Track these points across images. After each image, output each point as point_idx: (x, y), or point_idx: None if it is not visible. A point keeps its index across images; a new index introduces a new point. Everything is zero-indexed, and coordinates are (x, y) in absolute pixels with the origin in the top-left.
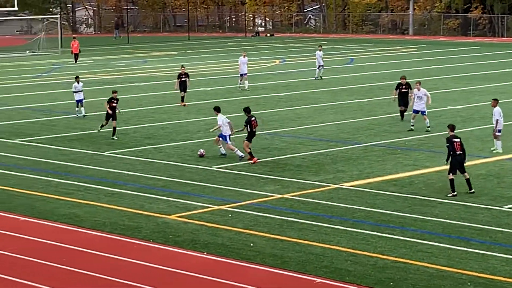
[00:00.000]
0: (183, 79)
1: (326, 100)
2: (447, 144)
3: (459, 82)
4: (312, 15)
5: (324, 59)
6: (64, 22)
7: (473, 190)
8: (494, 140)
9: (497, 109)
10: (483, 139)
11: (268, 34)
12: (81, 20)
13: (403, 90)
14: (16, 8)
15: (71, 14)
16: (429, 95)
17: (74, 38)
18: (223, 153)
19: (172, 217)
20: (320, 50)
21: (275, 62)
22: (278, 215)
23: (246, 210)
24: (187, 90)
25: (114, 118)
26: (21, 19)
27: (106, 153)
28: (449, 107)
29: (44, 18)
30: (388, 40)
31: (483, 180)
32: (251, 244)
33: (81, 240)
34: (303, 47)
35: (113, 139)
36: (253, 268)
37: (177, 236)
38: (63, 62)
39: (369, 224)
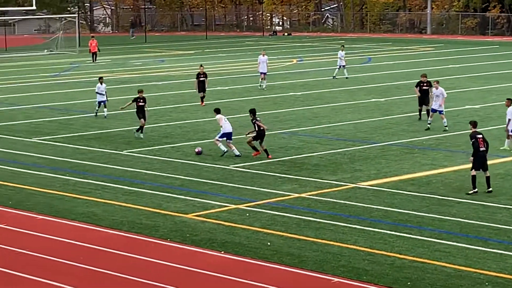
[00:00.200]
0: (201, 78)
1: (343, 99)
2: (473, 140)
3: (476, 82)
4: (329, 14)
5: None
6: (82, 21)
7: (491, 189)
8: (507, 140)
9: (510, 109)
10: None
11: (286, 33)
12: (99, 19)
13: (423, 88)
14: (34, 7)
15: (89, 13)
16: (445, 95)
17: (92, 37)
18: (225, 150)
19: (189, 216)
20: (342, 50)
21: (293, 61)
22: (296, 214)
23: (264, 209)
24: (206, 90)
25: (144, 118)
26: (39, 18)
27: (124, 152)
28: (466, 107)
29: (62, 17)
30: (405, 39)
31: (501, 180)
32: (268, 243)
33: (98, 238)
34: (321, 46)
35: (140, 136)
36: (270, 267)
37: (194, 235)
38: (81, 61)
39: (387, 224)
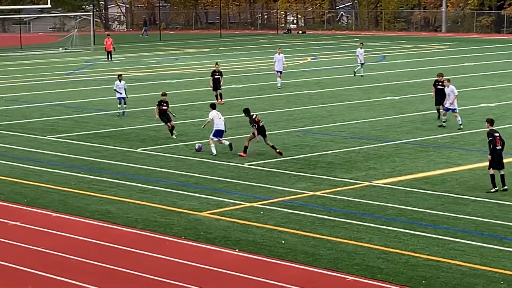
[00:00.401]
0: (216, 76)
1: (357, 97)
2: (490, 138)
3: (491, 80)
4: (344, 12)
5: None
6: (96, 19)
7: (506, 188)
8: None
9: None
10: None
11: (300, 31)
12: (114, 17)
13: (439, 87)
14: (49, 6)
15: (103, 11)
16: (456, 92)
17: (108, 35)
18: (214, 153)
19: (204, 214)
20: (361, 48)
21: (307, 59)
22: (310, 213)
23: (278, 207)
24: (221, 88)
25: (169, 120)
26: (54, 16)
27: (138, 150)
28: (481, 105)
29: (77, 15)
30: (420, 37)
31: None
32: (283, 241)
33: (113, 236)
34: (335, 44)
35: (173, 137)
36: (285, 265)
37: (208, 233)
38: (95, 59)
39: (401, 222)
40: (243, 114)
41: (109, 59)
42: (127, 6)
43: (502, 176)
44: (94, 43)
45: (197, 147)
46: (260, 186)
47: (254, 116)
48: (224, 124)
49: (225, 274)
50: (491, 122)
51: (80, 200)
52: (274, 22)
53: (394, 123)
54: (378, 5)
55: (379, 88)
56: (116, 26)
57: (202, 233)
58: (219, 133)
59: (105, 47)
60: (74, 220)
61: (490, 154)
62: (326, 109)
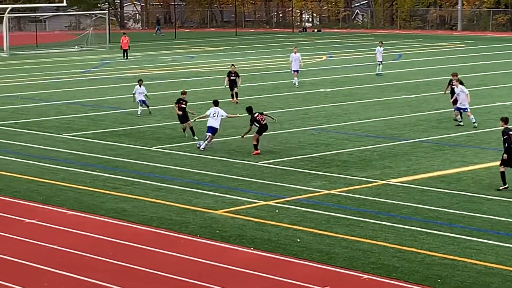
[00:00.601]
0: (232, 77)
1: (373, 95)
2: (505, 137)
3: (507, 78)
4: (359, 10)
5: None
6: (112, 18)
7: None
8: None
9: None
10: None
11: (315, 30)
12: (129, 15)
13: (453, 87)
14: (65, 4)
15: (119, 9)
16: (466, 91)
17: (124, 34)
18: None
19: (219, 212)
20: (380, 46)
21: (322, 57)
22: (325, 211)
23: (293, 205)
24: (237, 88)
25: (187, 119)
26: (70, 15)
27: (154, 148)
28: (497, 103)
29: (93, 13)
30: (436, 35)
31: None
32: (298, 240)
33: (128, 234)
34: (350, 42)
35: (194, 139)
36: (300, 263)
37: (224, 231)
38: (111, 58)
39: (417, 221)
40: (246, 113)
41: (125, 57)
42: (143, 4)
43: None
44: (109, 42)
45: (199, 145)
46: (275, 185)
47: (256, 115)
48: (220, 123)
49: (240, 272)
50: (505, 120)
51: (96, 198)
52: (289, 20)
53: (409, 122)
54: (393, 4)
55: (395, 86)
56: (132, 25)
57: (217, 231)
58: (209, 130)
59: (120, 45)
60: (90, 218)
61: (506, 153)
62: (341, 107)
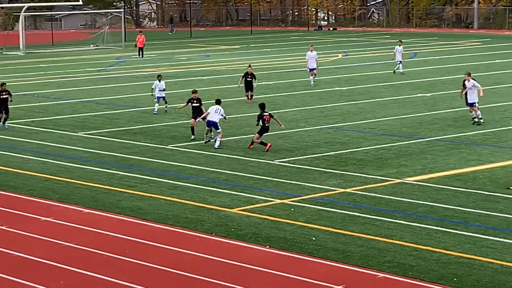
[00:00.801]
0: (248, 79)
1: (388, 94)
2: None
3: None
4: (375, 9)
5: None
6: (127, 16)
7: None
8: None
9: None
10: None
11: (331, 28)
12: (145, 14)
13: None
14: (80, 2)
15: (134, 8)
16: (479, 86)
17: (140, 32)
18: (215, 142)
19: (234, 210)
20: (400, 45)
21: (338, 56)
22: (341, 209)
23: (309, 204)
24: (253, 91)
25: (196, 117)
26: (85, 13)
27: (169, 147)
28: None
29: (108, 12)
30: (452, 34)
31: None
32: (313, 238)
33: (144, 232)
34: (366, 41)
35: (211, 138)
36: (315, 262)
37: (239, 230)
38: (126, 56)
39: (433, 219)
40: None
41: (141, 55)
42: (158, 3)
43: None
44: (125, 40)
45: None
46: (291, 183)
47: (265, 114)
48: (219, 119)
49: (256, 271)
50: None
51: (111, 196)
52: (305, 18)
53: (425, 120)
54: (409, 2)
55: (411, 85)
56: (147, 23)
57: (232, 229)
58: (209, 123)
59: (135, 44)
60: (105, 216)
61: None
62: (357, 106)
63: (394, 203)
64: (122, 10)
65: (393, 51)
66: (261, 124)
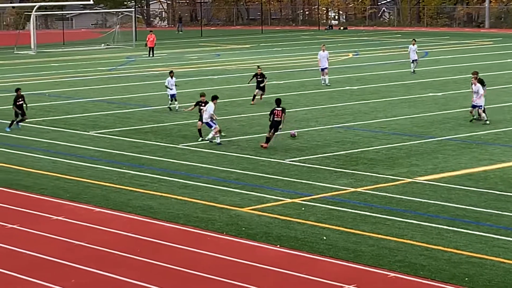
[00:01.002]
0: (259, 79)
1: (399, 93)
2: None
3: None
4: (386, 8)
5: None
6: (138, 16)
7: None
8: None
9: None
10: None
11: (341, 27)
12: (155, 13)
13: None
14: (91, 2)
15: (145, 7)
16: (481, 91)
17: (150, 32)
18: (218, 142)
19: (245, 209)
20: (414, 44)
21: (348, 55)
22: (351, 209)
23: (319, 203)
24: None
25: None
26: (96, 13)
27: (180, 146)
28: None
29: (119, 11)
30: (463, 33)
31: None
32: (324, 238)
33: (155, 231)
34: (377, 40)
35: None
36: (326, 261)
37: (250, 229)
38: (137, 55)
39: (444, 219)
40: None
41: (151, 55)
42: (169, 2)
43: None
44: (135, 39)
45: (292, 133)
46: (302, 182)
47: (277, 110)
48: (209, 116)
49: (267, 270)
50: None
51: (122, 195)
52: (316, 18)
53: (436, 120)
54: (420, 1)
55: (422, 84)
56: (158, 22)
57: (243, 228)
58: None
59: (146, 43)
60: (116, 215)
61: None
62: (368, 105)
63: (405, 202)
64: (133, 9)
65: (407, 50)
66: (271, 120)
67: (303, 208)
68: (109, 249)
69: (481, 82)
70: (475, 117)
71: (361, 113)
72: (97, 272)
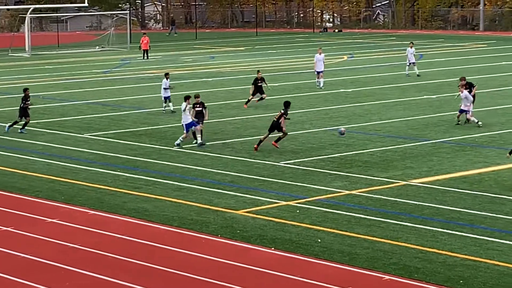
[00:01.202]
0: (259, 84)
1: (394, 96)
2: None
3: None
4: (380, 10)
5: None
6: (133, 18)
7: None
8: None
9: None
10: None
11: (336, 30)
12: (150, 16)
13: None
14: (86, 4)
15: (140, 10)
16: (470, 98)
17: (144, 34)
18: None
19: (239, 212)
20: (411, 47)
21: (343, 58)
22: (346, 211)
23: (314, 206)
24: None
25: (201, 122)
26: (91, 15)
27: (174, 148)
28: None
29: (114, 14)
30: (458, 36)
31: None
32: (319, 240)
33: (149, 234)
34: (371, 43)
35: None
36: (321, 264)
37: (244, 231)
38: (132, 58)
39: (438, 221)
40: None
41: (145, 57)
42: (164, 4)
43: None
44: (130, 42)
45: (341, 130)
46: (296, 185)
47: (279, 114)
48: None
49: (261, 273)
50: None
51: (117, 197)
52: (310, 20)
53: (431, 122)
54: (415, 4)
55: (416, 87)
56: (153, 25)
57: (238, 231)
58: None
59: (140, 46)
60: (111, 217)
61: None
62: (362, 107)
63: (399, 205)
64: (128, 12)
65: (404, 53)
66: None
67: (297, 211)
68: (104, 251)
69: (470, 85)
70: (460, 122)
71: (356, 115)
72: (92, 275)
